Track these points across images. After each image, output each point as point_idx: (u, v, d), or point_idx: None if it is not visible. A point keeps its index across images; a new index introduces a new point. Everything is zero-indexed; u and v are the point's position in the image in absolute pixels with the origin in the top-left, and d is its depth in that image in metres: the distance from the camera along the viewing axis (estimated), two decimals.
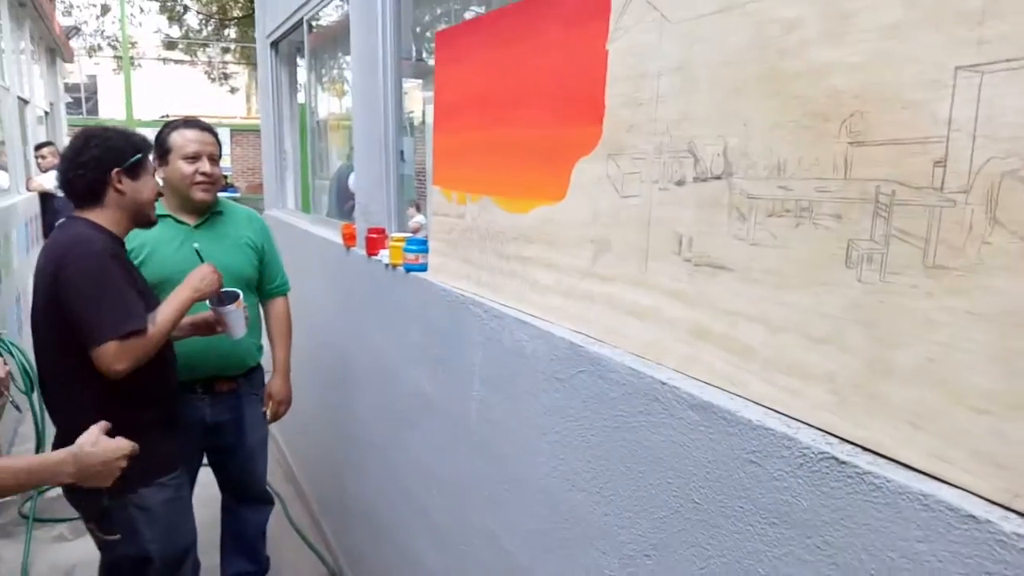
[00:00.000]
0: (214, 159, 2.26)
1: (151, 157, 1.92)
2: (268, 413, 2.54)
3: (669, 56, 1.14)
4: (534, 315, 1.50)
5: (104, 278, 1.70)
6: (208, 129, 2.29)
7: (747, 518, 0.97)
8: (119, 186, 1.80)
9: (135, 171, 1.84)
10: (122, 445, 1.48)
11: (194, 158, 2.20)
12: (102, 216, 1.82)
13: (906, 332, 0.81)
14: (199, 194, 2.23)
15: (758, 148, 0.99)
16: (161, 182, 2.20)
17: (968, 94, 0.75)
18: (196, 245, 2.17)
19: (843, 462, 0.84)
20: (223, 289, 2.08)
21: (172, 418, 1.99)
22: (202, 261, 2.06)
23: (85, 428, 1.47)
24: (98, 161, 1.79)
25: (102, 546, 1.90)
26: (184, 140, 2.21)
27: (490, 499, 1.69)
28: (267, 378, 2.57)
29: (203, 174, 2.21)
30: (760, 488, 0.95)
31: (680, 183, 1.12)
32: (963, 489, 0.74)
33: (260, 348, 2.50)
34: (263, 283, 2.47)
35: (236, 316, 2.10)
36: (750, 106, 1.00)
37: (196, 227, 2.28)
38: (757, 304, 1.00)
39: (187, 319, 2.05)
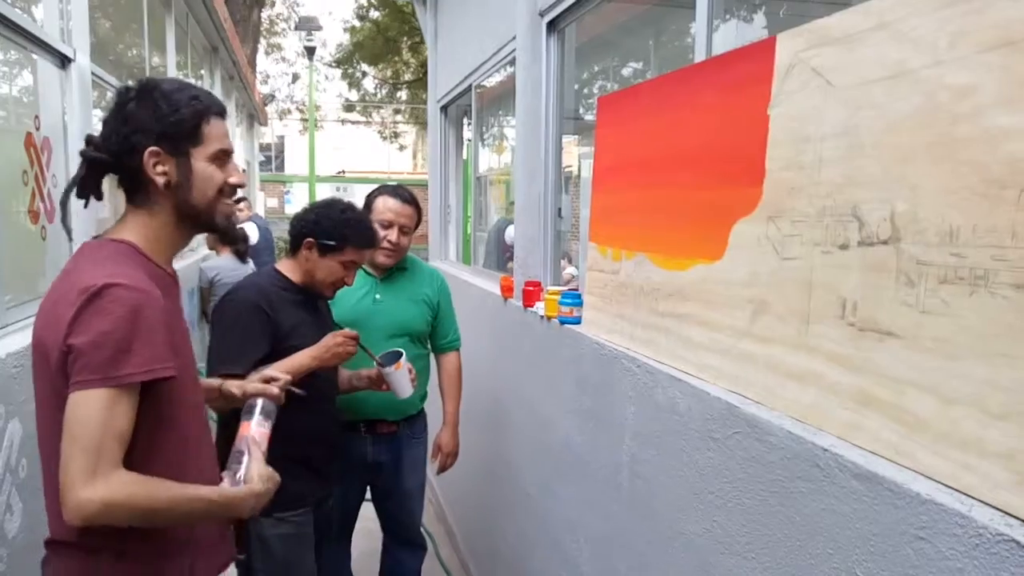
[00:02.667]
0: (404, 230, 2.44)
1: (352, 251, 2.05)
2: (437, 465, 2.67)
3: (833, 121, 1.15)
4: (688, 372, 1.51)
5: (232, 322, 1.92)
6: (409, 201, 2.46)
7: None
8: (306, 253, 2.05)
9: (324, 251, 2.04)
10: (275, 477, 1.45)
11: (387, 225, 2.41)
12: (290, 267, 2.09)
13: None
14: (380, 258, 2.43)
15: (928, 214, 0.97)
16: None
17: None
18: (378, 295, 2.43)
19: None
20: (387, 352, 2.19)
21: (305, 458, 2.01)
22: (372, 358, 2.16)
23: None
24: (303, 224, 2.06)
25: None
26: (383, 207, 2.43)
27: (640, 557, 1.68)
28: (428, 421, 2.72)
29: (389, 242, 2.40)
30: (930, 567, 0.90)
31: (844, 247, 1.11)
32: None
33: (423, 397, 2.65)
34: (436, 337, 2.63)
35: (398, 377, 2.14)
36: (919, 171, 0.99)
37: (381, 280, 2.49)
38: (927, 373, 0.96)
39: (349, 374, 2.23)
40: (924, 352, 0.97)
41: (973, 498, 0.88)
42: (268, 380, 1.68)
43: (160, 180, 1.27)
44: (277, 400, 1.63)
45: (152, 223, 1.31)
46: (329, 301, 2.37)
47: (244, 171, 11.80)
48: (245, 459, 1.42)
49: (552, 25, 2.56)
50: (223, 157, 1.34)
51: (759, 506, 1.23)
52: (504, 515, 2.91)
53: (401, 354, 2.17)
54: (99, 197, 1.34)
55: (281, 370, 1.78)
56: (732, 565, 1.31)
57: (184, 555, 1.32)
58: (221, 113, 1.36)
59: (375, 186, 2.61)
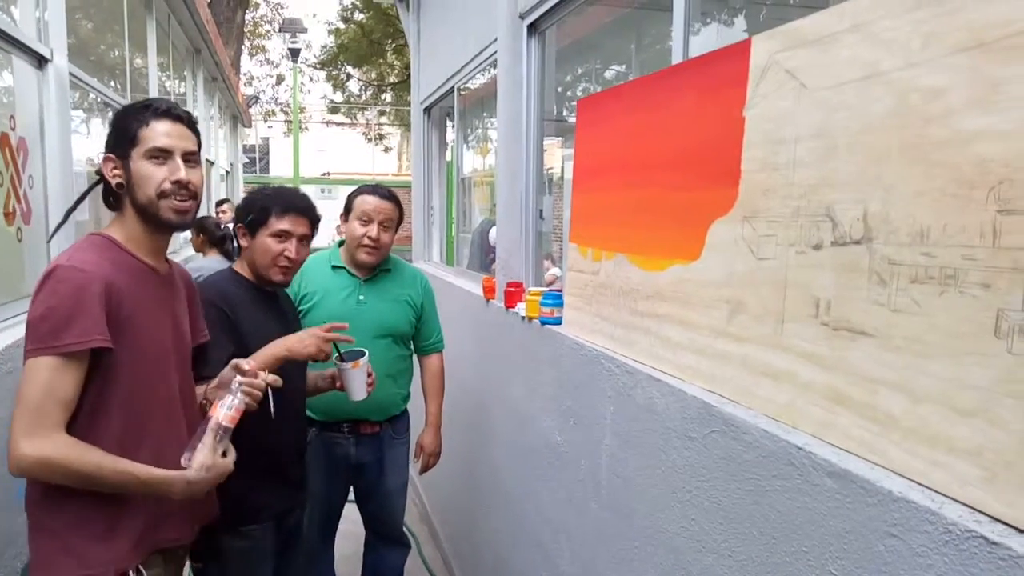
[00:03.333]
0: (385, 226, 2.40)
1: (276, 218, 1.96)
2: (419, 466, 2.66)
3: (807, 122, 1.16)
4: (666, 372, 1.51)
5: None
6: (388, 198, 2.44)
7: None
8: (243, 242, 2.00)
9: (253, 230, 1.96)
10: (229, 465, 1.50)
11: (367, 221, 2.40)
12: (241, 264, 2.03)
13: None
14: (362, 255, 2.41)
15: (900, 214, 0.98)
16: (341, 236, 2.45)
17: None
18: (362, 296, 2.41)
19: (994, 543, 0.80)
20: (349, 349, 2.09)
21: (269, 469, 1.95)
22: (339, 354, 2.09)
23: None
24: (236, 215, 2.03)
25: None
26: (363, 204, 2.41)
27: (619, 555, 1.69)
28: (411, 422, 2.71)
29: (369, 238, 2.38)
30: (902, 563, 0.91)
31: (818, 247, 1.12)
32: None
33: (405, 398, 2.64)
34: (419, 339, 2.62)
35: (352, 376, 2.05)
36: (892, 172, 1.00)
37: (365, 281, 2.48)
38: (899, 372, 0.97)
39: (315, 374, 2.16)
40: (895, 351, 0.98)
41: (943, 495, 0.89)
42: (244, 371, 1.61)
43: (114, 182, 1.45)
44: (256, 390, 1.56)
45: (125, 222, 1.47)
46: (311, 304, 2.36)
47: (228, 173, 11.68)
48: (199, 444, 1.46)
49: (533, 27, 2.56)
50: (159, 155, 1.43)
51: (735, 504, 1.24)
52: (487, 515, 2.91)
53: (364, 354, 2.09)
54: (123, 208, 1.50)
55: (255, 362, 1.76)
56: (709, 563, 1.31)
57: (134, 522, 1.42)
58: (168, 115, 1.45)
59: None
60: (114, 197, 1.48)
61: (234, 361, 1.58)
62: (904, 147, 0.98)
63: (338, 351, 2.06)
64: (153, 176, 1.42)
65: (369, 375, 2.10)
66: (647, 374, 1.55)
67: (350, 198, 2.47)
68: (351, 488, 2.63)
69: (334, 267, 2.46)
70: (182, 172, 1.45)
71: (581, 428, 1.91)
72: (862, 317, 1.04)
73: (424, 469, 2.67)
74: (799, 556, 1.09)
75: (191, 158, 1.48)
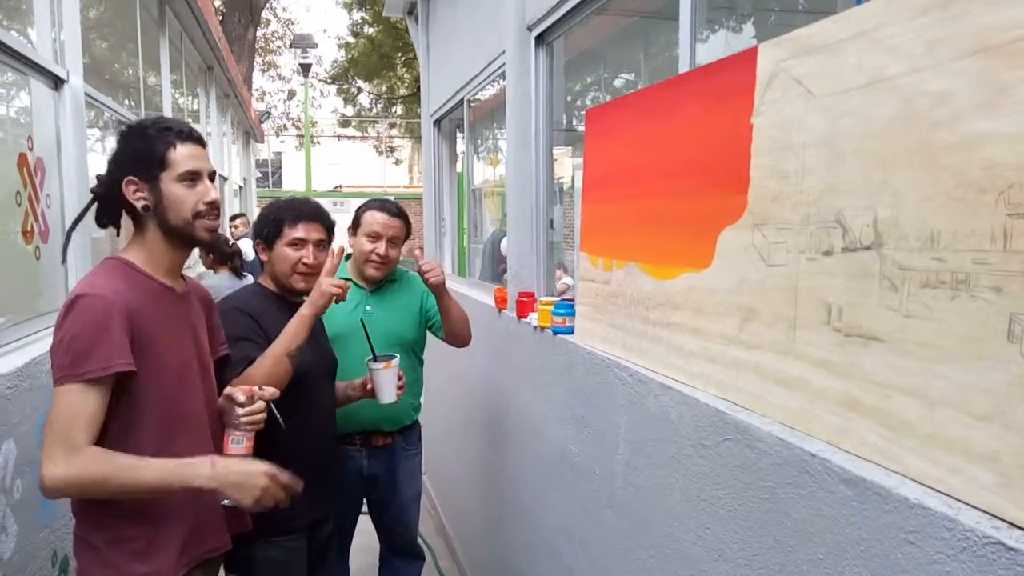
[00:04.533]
0: (393, 242, 2.42)
1: (290, 227, 2.01)
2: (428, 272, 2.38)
3: (814, 129, 1.16)
4: (679, 380, 1.51)
5: (228, 327, 1.83)
6: (398, 215, 2.45)
7: None
8: (263, 257, 2.06)
9: (269, 243, 2.03)
10: (261, 464, 1.48)
11: (375, 237, 2.42)
12: (265, 278, 2.09)
13: None
14: (370, 270, 2.44)
15: (910, 219, 0.98)
16: (350, 250, 2.46)
17: None
18: (369, 307, 2.43)
19: (1012, 549, 0.79)
20: (380, 353, 2.16)
21: (301, 479, 1.92)
22: (371, 349, 2.15)
23: None
24: (254, 231, 2.08)
25: None
26: (372, 220, 2.43)
27: (636, 564, 1.68)
28: (422, 433, 2.72)
29: (377, 254, 2.40)
30: (919, 571, 0.90)
31: (828, 253, 1.12)
32: None
33: (417, 408, 2.65)
34: (438, 326, 2.55)
35: (384, 377, 2.10)
36: (900, 177, 1.00)
37: (371, 292, 2.50)
38: (912, 377, 0.97)
39: (344, 384, 2.19)
40: (908, 356, 0.98)
41: (960, 501, 0.89)
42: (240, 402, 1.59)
43: (139, 205, 1.47)
44: (257, 414, 1.57)
45: (146, 243, 1.51)
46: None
47: (241, 188, 11.83)
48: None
49: (540, 39, 2.58)
50: (192, 178, 1.48)
51: (750, 513, 1.24)
52: (502, 525, 2.91)
53: (395, 356, 2.17)
54: (116, 227, 1.56)
55: (284, 335, 1.84)
56: (726, 572, 1.31)
57: (173, 537, 1.46)
58: (191, 138, 1.50)
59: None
60: (135, 217, 1.51)
61: (227, 392, 1.58)
62: (911, 152, 0.98)
63: (373, 353, 2.13)
64: (187, 198, 1.47)
65: (400, 378, 2.16)
66: (660, 382, 1.55)
67: (359, 213, 2.49)
68: (364, 501, 2.64)
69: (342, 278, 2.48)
70: (214, 193, 1.52)
71: (595, 437, 1.90)
72: (874, 323, 1.03)
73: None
74: (815, 564, 1.08)
75: (212, 178, 1.54)
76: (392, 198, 2.54)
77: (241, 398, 1.55)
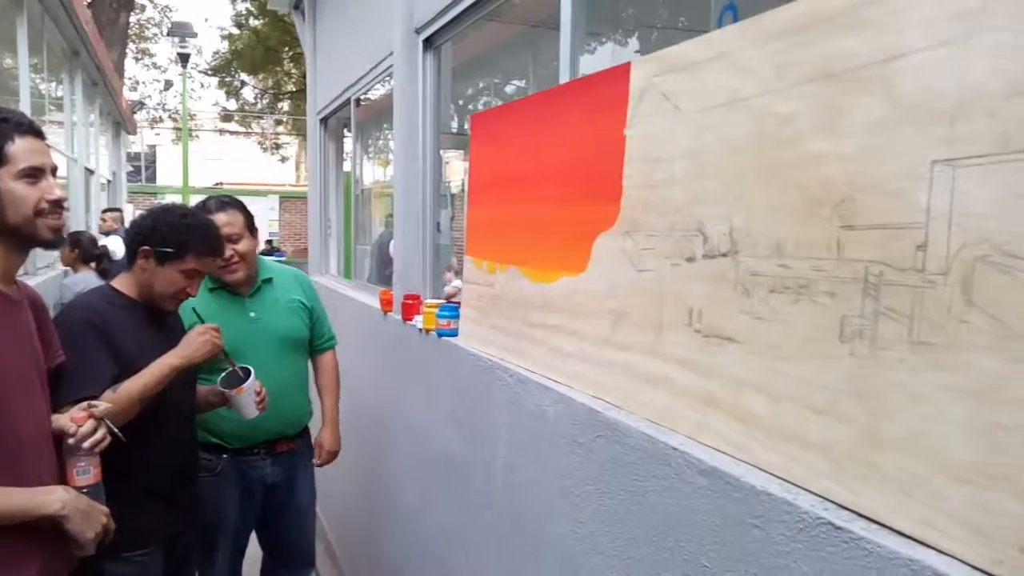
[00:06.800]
0: (233, 239, 2.25)
1: (193, 258, 1.85)
2: (319, 462, 2.60)
3: (680, 143, 1.24)
4: (558, 381, 1.56)
5: (69, 345, 1.68)
6: (225, 207, 2.30)
7: None
8: (143, 263, 1.85)
9: (162, 259, 1.83)
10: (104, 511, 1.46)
11: None
12: (127, 282, 1.89)
13: (895, 404, 0.86)
14: (227, 276, 2.30)
15: (760, 229, 1.07)
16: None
17: (943, 185, 0.82)
18: (253, 313, 2.33)
19: (839, 528, 0.88)
20: (230, 371, 2.04)
21: (153, 491, 1.87)
22: (235, 368, 2.04)
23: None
24: (138, 231, 1.87)
25: None
26: None
27: (513, 561, 1.72)
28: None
29: (224, 259, 2.22)
30: (764, 552, 0.98)
31: (691, 259, 1.20)
32: (949, 555, 0.78)
33: (310, 403, 2.60)
34: (313, 339, 2.56)
35: (239, 400, 2.01)
36: (752, 191, 1.08)
37: (250, 296, 2.39)
38: (761, 374, 1.05)
39: (206, 390, 2.08)
40: (758, 355, 1.06)
41: (799, 487, 0.97)
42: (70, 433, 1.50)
43: None
44: (92, 438, 1.48)
45: None
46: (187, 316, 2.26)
47: (109, 181, 11.09)
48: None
49: (428, 42, 2.59)
50: (33, 174, 1.38)
51: (619, 505, 1.30)
52: (385, 529, 2.88)
53: (250, 372, 2.04)
54: None
55: (143, 379, 1.72)
56: (597, 564, 1.36)
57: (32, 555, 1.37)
58: (30, 130, 1.39)
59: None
60: None
61: (55, 424, 1.48)
62: (762, 167, 1.07)
63: (235, 368, 2.02)
64: (29, 196, 1.37)
65: (258, 392, 2.06)
66: (538, 383, 1.59)
67: None
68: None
69: (211, 290, 2.31)
70: (59, 191, 1.41)
71: (477, 438, 1.93)
72: (729, 324, 1.11)
73: (324, 464, 2.61)
74: (675, 551, 1.15)
75: (55, 173, 1.44)
76: (229, 197, 2.40)
77: (73, 428, 1.45)
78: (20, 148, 1.36)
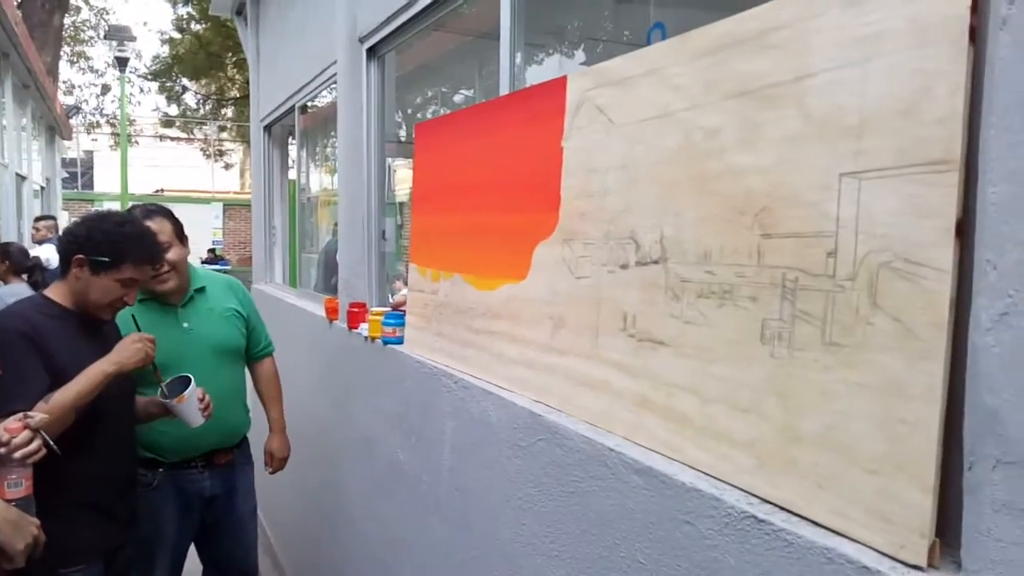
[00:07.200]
0: (165, 247, 2.18)
1: (131, 267, 1.83)
2: (270, 470, 2.60)
3: (614, 154, 1.28)
4: (501, 386, 1.59)
5: (3, 355, 1.66)
6: (154, 214, 2.25)
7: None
8: (77, 271, 1.82)
9: (97, 269, 1.80)
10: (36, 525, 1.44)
11: None
12: (61, 291, 1.85)
13: (810, 402, 0.91)
14: (159, 286, 2.24)
15: (688, 237, 1.12)
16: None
17: (850, 196, 0.88)
18: (186, 323, 2.29)
19: (762, 520, 0.93)
20: (175, 378, 2.01)
21: (92, 504, 1.84)
22: (158, 381, 2.00)
23: None
24: (72, 239, 1.83)
25: None
26: None
27: (458, 566, 1.74)
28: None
29: (160, 268, 2.17)
30: (694, 547, 1.03)
31: (624, 266, 1.24)
32: (860, 543, 0.84)
33: (249, 417, 2.56)
34: (250, 347, 2.53)
35: (183, 409, 1.98)
36: (681, 200, 1.13)
37: (183, 306, 2.35)
38: (690, 376, 1.10)
39: (145, 401, 2.05)
40: (687, 357, 1.11)
41: (726, 483, 1.02)
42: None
43: None
44: (26, 448, 1.45)
45: None
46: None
47: (43, 188, 10.68)
48: None
49: (372, 51, 2.60)
50: None
51: (560, 507, 1.33)
52: (332, 540, 2.86)
53: (190, 380, 2.01)
54: None
55: (76, 387, 1.68)
56: (539, 565, 1.39)
57: None
58: None
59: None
60: None
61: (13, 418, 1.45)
62: (690, 178, 1.12)
63: (160, 384, 1.98)
64: None
65: (202, 399, 2.03)
66: (482, 388, 1.62)
67: None
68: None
69: (141, 300, 2.20)
70: None
71: (423, 445, 1.94)
72: (661, 329, 1.16)
73: (275, 471, 2.61)
74: (613, 549, 1.19)
75: None
76: (155, 205, 2.35)
77: (6, 437, 1.42)
78: None
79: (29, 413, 1.48)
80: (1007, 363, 0.69)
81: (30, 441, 1.44)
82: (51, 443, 1.50)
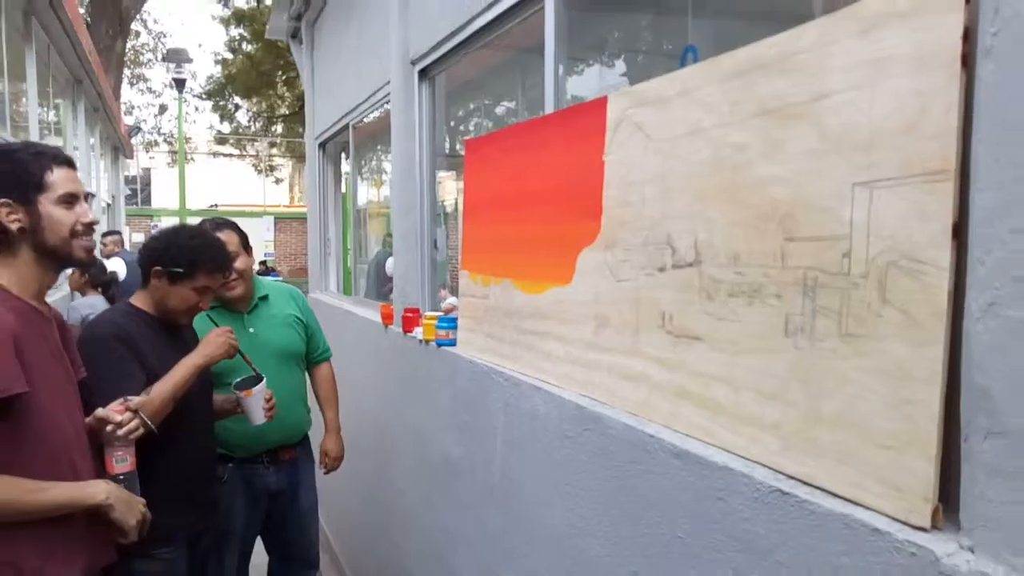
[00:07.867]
0: (234, 257, 2.36)
1: (203, 276, 2.01)
2: (324, 469, 2.78)
3: (651, 167, 1.40)
4: (548, 381, 1.72)
5: (98, 362, 1.81)
6: (222, 228, 2.43)
7: (720, 547, 1.16)
8: (156, 282, 2.02)
9: (174, 279, 1.99)
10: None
11: None
12: (144, 299, 2.05)
13: (829, 387, 1.02)
14: (227, 293, 2.43)
15: (720, 241, 1.23)
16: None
17: (862, 203, 0.99)
18: (252, 328, 2.48)
19: (787, 493, 1.04)
20: (244, 377, 2.19)
21: (179, 492, 2.00)
22: (253, 370, 2.18)
23: None
24: (151, 253, 2.04)
25: None
26: None
27: (511, 553, 1.86)
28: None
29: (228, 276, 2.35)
30: (727, 520, 1.14)
31: (662, 269, 1.36)
32: (873, 510, 0.94)
33: (311, 417, 2.75)
34: (309, 352, 2.72)
35: (250, 403, 2.14)
36: (713, 209, 1.25)
37: (249, 312, 2.55)
38: (722, 368, 1.21)
39: (221, 398, 2.22)
40: (720, 351, 1.22)
41: (755, 462, 1.13)
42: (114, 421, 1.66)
43: (14, 227, 1.49)
44: (131, 427, 1.64)
45: (17, 266, 1.52)
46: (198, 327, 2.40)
47: (109, 205, 11.17)
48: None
49: (424, 73, 2.77)
50: (70, 200, 1.54)
51: (605, 490, 1.45)
52: (390, 534, 3.02)
53: (262, 379, 2.17)
54: None
55: (173, 379, 1.89)
56: (586, 546, 1.51)
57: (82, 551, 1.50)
58: (65, 162, 1.57)
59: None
60: (5, 240, 1.50)
61: (98, 415, 1.63)
62: (720, 189, 1.24)
63: (252, 367, 2.17)
64: (65, 219, 1.53)
65: (268, 400, 2.20)
66: (531, 384, 1.75)
67: None
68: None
69: (211, 308, 2.32)
70: (92, 215, 1.59)
71: (475, 440, 2.08)
72: (696, 325, 1.28)
73: (330, 471, 2.79)
74: (655, 527, 1.30)
75: (87, 199, 1.61)
76: (223, 218, 2.56)
77: (117, 418, 1.62)
78: (58, 177, 1.54)
79: (129, 397, 1.68)
80: (995, 347, 0.80)
81: (131, 420, 1.64)
82: (148, 422, 1.69)
